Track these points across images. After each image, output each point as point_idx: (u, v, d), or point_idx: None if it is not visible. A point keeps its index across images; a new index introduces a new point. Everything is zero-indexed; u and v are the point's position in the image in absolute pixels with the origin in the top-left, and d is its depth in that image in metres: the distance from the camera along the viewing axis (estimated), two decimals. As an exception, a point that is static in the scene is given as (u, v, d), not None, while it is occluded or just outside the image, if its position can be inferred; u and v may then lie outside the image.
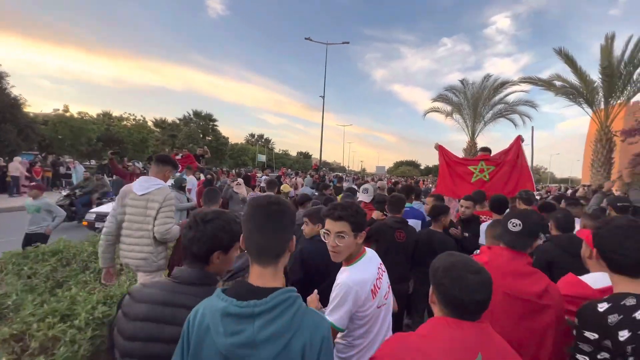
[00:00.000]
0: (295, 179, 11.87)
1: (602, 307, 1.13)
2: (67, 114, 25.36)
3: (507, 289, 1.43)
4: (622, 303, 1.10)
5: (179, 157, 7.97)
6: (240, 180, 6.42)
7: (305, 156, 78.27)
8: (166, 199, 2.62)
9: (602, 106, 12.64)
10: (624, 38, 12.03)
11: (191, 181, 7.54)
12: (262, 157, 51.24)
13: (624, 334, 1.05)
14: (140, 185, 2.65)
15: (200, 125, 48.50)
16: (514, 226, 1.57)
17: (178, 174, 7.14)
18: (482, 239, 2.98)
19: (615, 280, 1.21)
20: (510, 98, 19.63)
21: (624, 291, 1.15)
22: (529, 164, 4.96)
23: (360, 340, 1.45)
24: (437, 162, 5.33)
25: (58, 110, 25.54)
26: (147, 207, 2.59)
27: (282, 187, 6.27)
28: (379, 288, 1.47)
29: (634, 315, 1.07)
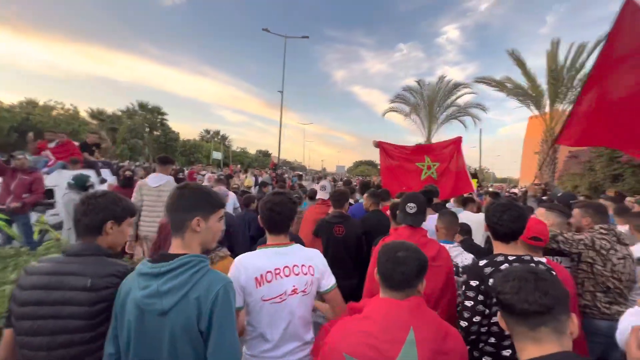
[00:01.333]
0: (243, 176, 10.58)
1: (482, 262, 1.57)
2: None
3: None
4: (494, 260, 1.55)
5: (52, 145, 6.26)
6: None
7: (265, 154, 76.16)
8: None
9: (548, 109, 13.31)
10: (564, 47, 12.76)
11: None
12: (218, 155, 48.23)
13: (492, 281, 1.45)
14: (153, 180, 3.91)
15: (147, 119, 44.31)
16: (411, 209, 1.99)
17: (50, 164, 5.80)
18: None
19: (495, 245, 1.64)
20: (462, 100, 20.40)
21: (497, 252, 1.60)
22: (478, 164, 5.39)
23: (250, 327, 1.50)
24: None
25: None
26: (159, 195, 3.78)
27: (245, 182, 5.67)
28: (268, 281, 1.45)
29: (500, 267, 1.50)
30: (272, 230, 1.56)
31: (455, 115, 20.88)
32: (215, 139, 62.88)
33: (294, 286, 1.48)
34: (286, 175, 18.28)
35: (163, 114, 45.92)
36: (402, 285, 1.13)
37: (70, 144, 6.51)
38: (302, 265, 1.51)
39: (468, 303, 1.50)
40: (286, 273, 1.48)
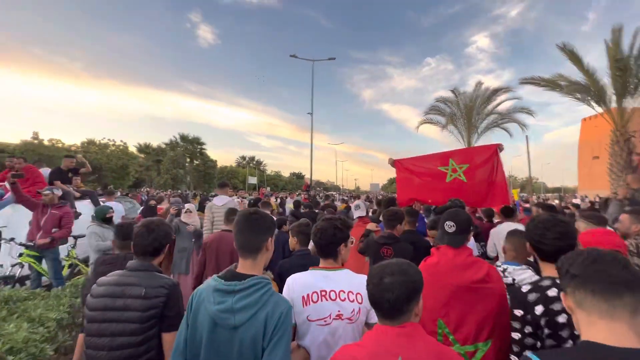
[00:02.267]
0: (272, 200, 10.19)
1: (525, 288, 1.35)
2: (36, 142, 23.50)
3: (456, 282, 1.63)
4: (539, 284, 1.33)
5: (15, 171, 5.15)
6: (190, 206, 4.74)
7: (298, 176, 76.96)
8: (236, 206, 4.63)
9: (615, 104, 11.49)
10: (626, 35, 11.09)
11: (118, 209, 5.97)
12: (253, 179, 49.44)
13: (539, 309, 1.26)
14: (219, 200, 4.91)
15: (187, 149, 47.09)
16: (449, 227, 1.79)
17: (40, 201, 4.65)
18: (492, 245, 3.88)
19: (542, 267, 1.45)
20: (504, 107, 18.74)
21: (545, 275, 1.40)
22: (527, 174, 4.60)
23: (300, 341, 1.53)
24: None
25: (26, 139, 23.57)
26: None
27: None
28: (314, 302, 1.47)
29: (547, 293, 1.28)
30: (320, 254, 1.64)
31: (497, 123, 19.20)
32: (251, 165, 65.09)
33: (338, 311, 1.47)
34: (317, 196, 17.74)
35: (202, 144, 48.60)
36: (392, 313, 1.07)
37: (31, 170, 5.61)
38: (349, 292, 1.50)
39: (515, 335, 1.33)
40: (332, 297, 1.48)
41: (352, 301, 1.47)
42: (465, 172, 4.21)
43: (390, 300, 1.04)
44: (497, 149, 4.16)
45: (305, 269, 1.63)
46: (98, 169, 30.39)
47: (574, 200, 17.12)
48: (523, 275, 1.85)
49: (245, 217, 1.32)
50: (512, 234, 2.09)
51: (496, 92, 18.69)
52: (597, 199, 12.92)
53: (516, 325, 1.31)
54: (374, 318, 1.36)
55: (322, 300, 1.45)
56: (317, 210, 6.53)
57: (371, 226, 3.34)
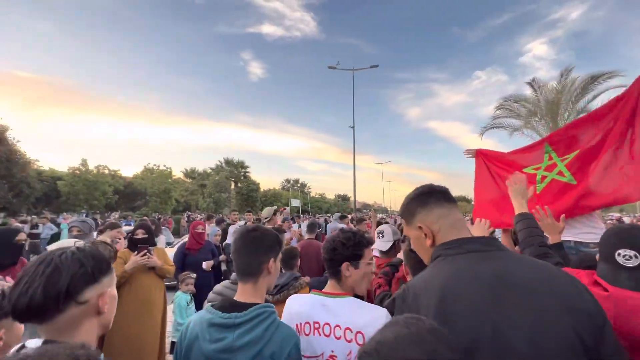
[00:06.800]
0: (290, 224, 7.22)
1: None
2: (83, 169, 24.43)
3: None
4: None
5: None
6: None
7: (343, 198, 74.22)
8: None
9: None
10: None
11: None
12: (296, 202, 47.76)
13: None
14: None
15: (232, 173, 47.67)
16: (627, 259, 1.11)
17: None
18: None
19: None
20: (601, 99, 13.79)
21: None
22: None
23: None
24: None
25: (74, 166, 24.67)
26: None
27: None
28: (306, 334, 1.21)
29: None
30: (328, 273, 1.34)
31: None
32: (295, 187, 64.17)
33: (332, 351, 1.16)
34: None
35: (245, 167, 49.07)
36: None
37: None
38: (347, 329, 1.15)
39: None
40: (325, 332, 1.19)
41: (350, 341, 1.13)
42: (569, 165, 2.53)
43: None
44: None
45: None
46: (143, 194, 30.97)
47: None
48: None
49: (242, 236, 1.17)
50: None
51: (595, 79, 13.97)
52: None
53: None
54: None
55: (314, 334, 1.19)
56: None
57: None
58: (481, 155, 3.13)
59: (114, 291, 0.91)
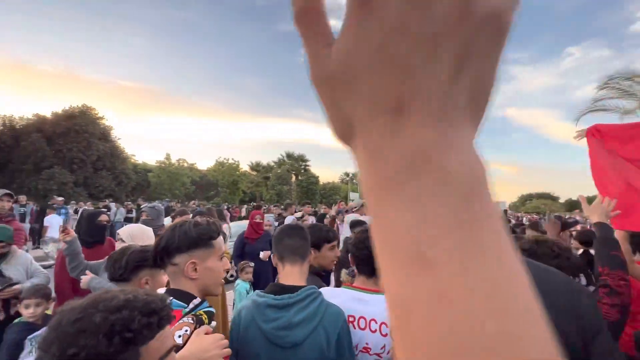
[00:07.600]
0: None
1: None
2: (167, 162, 27.99)
3: None
4: None
5: None
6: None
7: (404, 193, 70.96)
8: None
9: None
10: None
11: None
12: (355, 196, 47.26)
13: None
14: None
15: (293, 166, 49.54)
16: None
17: None
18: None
19: None
20: None
21: None
22: None
23: None
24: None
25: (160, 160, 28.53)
26: None
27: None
28: (354, 328, 1.24)
29: None
30: (358, 270, 1.39)
31: None
32: (354, 181, 63.87)
33: (366, 343, 1.22)
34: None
35: (306, 160, 50.45)
36: None
37: None
38: (382, 324, 1.21)
39: None
40: (361, 325, 1.24)
41: (385, 335, 1.20)
42: None
43: None
44: None
45: None
46: (215, 185, 34.08)
47: None
48: None
49: (289, 226, 1.40)
50: None
51: None
52: None
53: None
54: None
55: (350, 326, 1.23)
56: None
57: None
58: (596, 134, 2.40)
59: (211, 264, 1.08)
